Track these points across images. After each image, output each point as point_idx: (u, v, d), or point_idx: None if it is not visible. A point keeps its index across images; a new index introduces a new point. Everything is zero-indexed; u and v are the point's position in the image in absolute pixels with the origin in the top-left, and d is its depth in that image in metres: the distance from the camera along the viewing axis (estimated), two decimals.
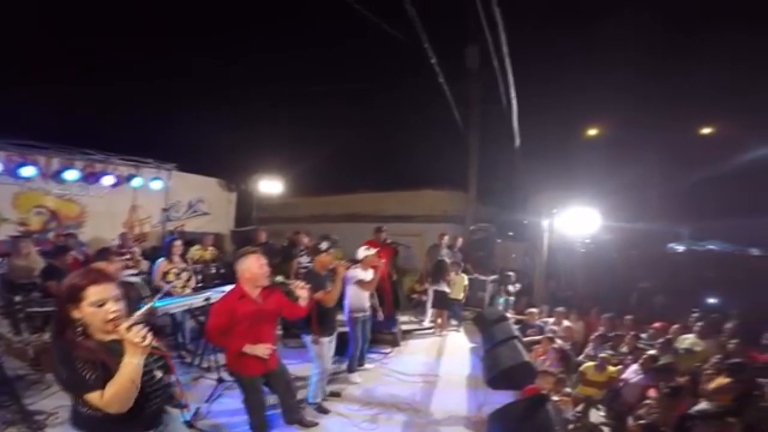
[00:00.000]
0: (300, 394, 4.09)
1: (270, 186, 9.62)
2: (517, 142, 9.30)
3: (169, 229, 8.75)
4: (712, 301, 7.76)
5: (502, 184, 11.23)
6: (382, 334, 5.98)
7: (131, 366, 1.55)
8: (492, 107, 9.03)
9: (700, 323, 5.53)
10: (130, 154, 8.07)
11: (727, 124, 17.00)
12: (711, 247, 18.30)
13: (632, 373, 4.61)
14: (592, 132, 16.63)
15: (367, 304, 4.76)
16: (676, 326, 5.73)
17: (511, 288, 7.90)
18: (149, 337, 1.56)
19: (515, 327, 6.09)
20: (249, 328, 2.90)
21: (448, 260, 7.16)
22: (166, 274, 5.21)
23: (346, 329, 5.33)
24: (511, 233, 10.85)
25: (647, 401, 4.05)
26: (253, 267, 2.93)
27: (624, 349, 5.40)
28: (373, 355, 5.54)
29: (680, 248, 18.94)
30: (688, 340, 5.26)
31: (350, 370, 4.81)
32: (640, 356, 4.79)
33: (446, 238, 7.58)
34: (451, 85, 8.66)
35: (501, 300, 7.86)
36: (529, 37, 8.10)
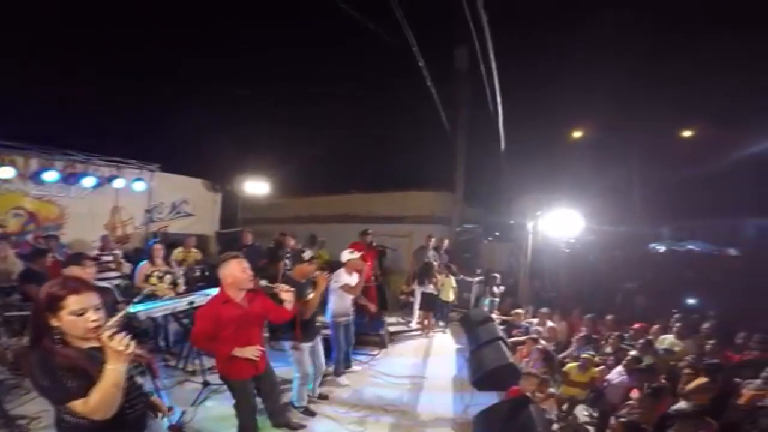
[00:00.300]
0: (286, 397, 4.08)
1: (256, 186, 9.55)
2: (503, 144, 9.40)
3: (152, 230, 8.61)
4: (691, 301, 7.93)
5: (489, 185, 11.33)
6: (370, 336, 6.00)
7: (115, 372, 1.56)
8: (479, 110, 9.11)
9: (678, 324, 5.66)
10: (113, 155, 7.92)
11: (706, 127, 17.44)
12: (691, 247, 18.78)
13: (616, 374, 4.70)
14: (576, 135, 16.87)
15: (350, 308, 4.75)
16: (655, 327, 5.85)
17: (496, 289, 7.97)
18: (132, 344, 1.57)
19: (500, 328, 6.15)
20: (236, 332, 2.88)
21: (435, 262, 7.20)
22: (148, 276, 5.12)
23: (329, 332, 5.36)
24: (497, 234, 10.96)
25: (629, 401, 4.13)
26: (235, 271, 2.90)
27: (607, 349, 5.49)
28: (360, 357, 5.54)
29: (661, 248, 19.39)
30: (667, 340, 5.38)
31: (336, 373, 4.80)
32: (623, 356, 4.88)
33: (433, 240, 7.62)
34: (439, 87, 8.71)
35: (486, 301, 7.93)
36: (515, 41, 8.18)
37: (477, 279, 8.28)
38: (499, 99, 7.68)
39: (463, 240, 9.10)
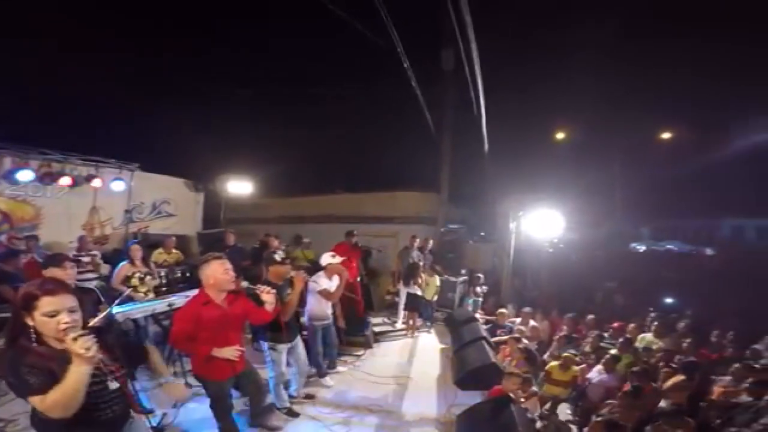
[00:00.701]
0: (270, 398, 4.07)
1: (239, 186, 9.43)
2: (487, 145, 9.50)
3: (132, 231, 8.43)
4: (669, 300, 8.13)
5: (473, 186, 11.42)
6: (355, 336, 5.98)
7: (76, 374, 1.56)
8: (464, 111, 9.19)
9: (656, 323, 5.78)
10: (91, 154, 7.73)
11: (683, 130, 17.95)
12: (670, 247, 19.32)
13: (596, 373, 4.78)
14: (558, 137, 17.18)
15: (329, 311, 4.68)
16: (632, 325, 5.97)
17: (479, 289, 8.04)
18: (93, 349, 1.56)
19: (484, 327, 6.21)
20: (216, 333, 2.86)
21: (420, 263, 7.22)
22: (128, 278, 5.03)
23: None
24: (482, 234, 11.06)
25: (610, 400, 4.19)
26: (217, 272, 2.87)
27: (587, 348, 5.58)
28: (345, 358, 5.53)
29: (641, 248, 19.88)
30: (646, 338, 5.49)
31: (319, 374, 4.75)
32: (603, 355, 4.97)
33: (417, 240, 7.64)
34: (424, 88, 8.75)
35: (470, 301, 7.99)
36: (499, 45, 8.28)
37: (461, 279, 8.33)
38: (482, 101, 7.76)
39: (447, 240, 9.15)
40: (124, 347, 3.47)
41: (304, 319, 4.61)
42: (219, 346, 2.85)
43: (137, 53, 10.07)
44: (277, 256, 3.93)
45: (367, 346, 5.94)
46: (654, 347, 5.39)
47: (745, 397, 3.70)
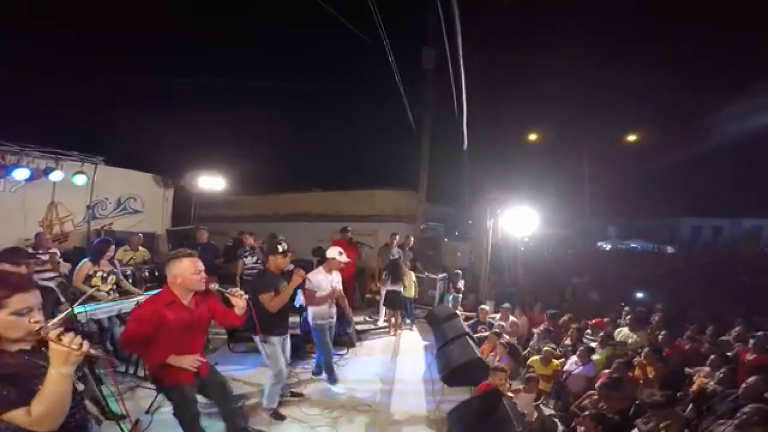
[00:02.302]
0: (255, 398, 3.98)
1: (211, 182, 9.04)
2: (465, 144, 9.56)
3: (95, 228, 7.93)
4: (639, 295, 8.41)
5: (452, 184, 11.50)
6: (338, 335, 5.84)
7: (63, 377, 1.41)
8: (443, 110, 9.22)
9: (629, 317, 5.92)
10: (51, 145, 7.20)
11: (647, 134, 18.78)
12: (634, 245, 20.17)
13: (573, 364, 4.83)
14: (532, 138, 17.59)
15: (333, 309, 4.48)
16: (605, 320, 6.11)
17: (459, 285, 8.06)
18: (85, 344, 1.41)
19: (465, 324, 6.19)
20: (178, 336, 2.58)
21: (400, 260, 7.14)
22: (90, 277, 4.70)
23: (296, 331, 5.16)
24: (456, 233, 11.13)
25: (590, 392, 4.24)
26: (186, 272, 2.59)
27: (567, 341, 5.64)
28: None
29: (608, 246, 20.67)
30: (621, 332, 5.62)
31: (330, 378, 4.56)
32: (579, 348, 5.04)
33: (397, 238, 7.56)
34: (405, 86, 8.70)
35: (450, 297, 8.00)
36: (478, 48, 8.36)
37: (441, 276, 8.33)
38: (464, 100, 7.79)
39: (426, 238, 9.13)
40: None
41: (294, 319, 4.43)
42: (181, 350, 2.58)
43: (104, 40, 9.55)
44: (281, 248, 3.72)
45: (350, 344, 5.81)
46: (630, 341, 5.51)
47: (712, 385, 3.82)
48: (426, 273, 8.13)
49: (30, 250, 5.67)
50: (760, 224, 22.66)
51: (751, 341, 4.46)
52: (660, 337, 5.18)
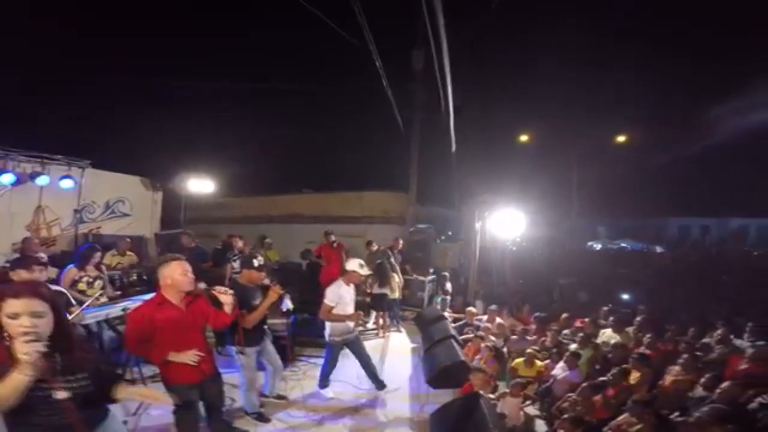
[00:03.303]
0: (238, 403, 4.00)
1: (201, 185, 9.03)
2: (454, 146, 9.63)
3: (83, 232, 7.90)
4: (625, 296, 8.48)
5: (443, 186, 11.57)
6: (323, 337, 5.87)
7: (15, 380, 1.57)
8: (433, 112, 9.28)
9: (612, 318, 5.98)
10: (37, 149, 7.16)
11: (636, 135, 19.01)
12: (623, 245, 20.37)
13: (560, 369, 4.89)
14: (521, 139, 17.75)
15: (351, 325, 4.42)
16: (588, 320, 6.16)
17: (447, 286, 8.13)
18: (33, 355, 1.57)
19: (453, 326, 6.25)
20: (174, 335, 2.73)
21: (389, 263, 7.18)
22: (76, 282, 4.72)
23: (284, 333, 5.20)
24: (449, 233, 11.20)
25: (569, 394, 4.30)
26: (175, 273, 2.75)
27: (547, 342, 5.70)
28: (316, 360, 5.42)
29: (597, 246, 20.86)
30: (605, 333, 5.69)
31: (321, 385, 4.55)
32: (563, 351, 5.09)
33: (374, 246, 7.61)
34: (394, 88, 8.76)
35: (438, 299, 8.06)
36: (467, 49, 8.43)
37: (429, 278, 8.39)
38: (450, 102, 7.85)
39: (415, 240, 9.19)
40: None
41: (274, 321, 4.45)
42: (179, 347, 2.72)
43: (91, 42, 9.47)
44: (256, 262, 3.81)
45: None
46: (613, 342, 5.58)
47: (700, 391, 3.87)
48: (414, 275, 8.19)
49: (17, 255, 5.67)
50: (746, 224, 23.00)
51: (749, 351, 4.42)
52: (645, 339, 5.24)
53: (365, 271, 4.41)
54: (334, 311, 4.22)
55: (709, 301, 8.02)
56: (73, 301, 4.00)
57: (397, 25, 8.79)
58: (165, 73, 10.86)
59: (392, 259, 7.26)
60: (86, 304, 3.93)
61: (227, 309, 2.96)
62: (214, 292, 2.98)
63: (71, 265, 4.86)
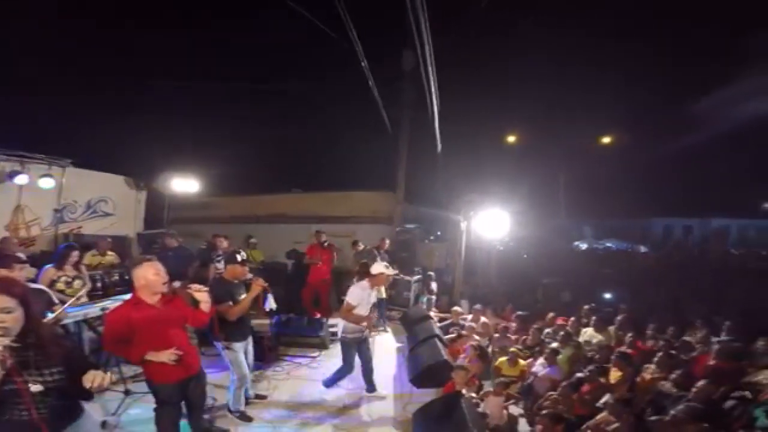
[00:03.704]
0: (224, 401, 4.00)
1: (185, 184, 8.92)
2: (439, 147, 9.67)
3: (63, 231, 7.76)
4: (608, 296, 8.59)
5: (431, 185, 11.60)
6: (310, 337, 5.89)
7: None
8: (421, 112, 9.31)
9: (594, 317, 6.06)
10: (15, 148, 7.01)
11: (620, 135, 19.30)
12: (609, 245, 20.64)
13: (540, 366, 4.95)
14: (508, 140, 17.88)
15: (365, 325, 4.43)
16: (572, 320, 6.25)
17: (433, 286, 8.16)
18: None
19: (439, 325, 6.28)
20: (153, 334, 2.74)
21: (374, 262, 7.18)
22: (54, 282, 4.65)
23: (267, 333, 5.17)
24: (438, 233, 11.24)
25: (550, 392, 4.35)
26: (148, 274, 2.76)
27: (528, 341, 5.76)
28: (300, 360, 5.48)
29: (583, 246, 21.12)
30: (587, 333, 5.76)
31: (327, 384, 4.52)
32: (544, 349, 5.15)
33: (360, 245, 7.62)
34: (382, 88, 8.75)
35: (424, 299, 8.08)
36: (454, 50, 8.47)
37: (415, 278, 8.41)
38: (435, 102, 7.88)
39: (401, 240, 9.21)
40: None
41: (265, 321, 4.43)
42: (158, 345, 2.72)
43: (71, 38, 9.29)
44: (239, 257, 3.85)
45: (322, 347, 5.85)
46: (594, 341, 5.65)
47: (669, 387, 3.94)
48: (401, 275, 8.20)
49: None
50: (728, 224, 23.50)
51: (715, 347, 4.56)
52: (627, 338, 5.31)
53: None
54: (355, 311, 4.23)
55: (690, 301, 8.16)
56: (56, 300, 3.94)
57: (384, 24, 8.79)
58: (151, 70, 10.71)
59: (379, 259, 7.26)
60: (69, 302, 3.88)
61: (204, 307, 2.97)
62: (189, 290, 2.98)
63: (49, 265, 4.80)
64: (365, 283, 4.34)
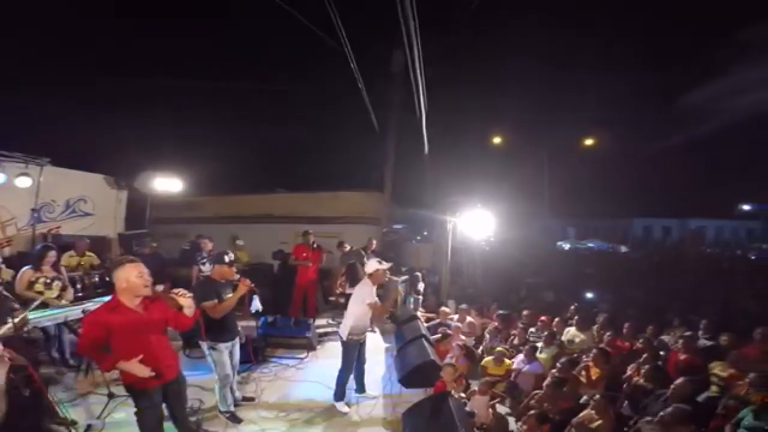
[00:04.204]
0: (211, 403, 3.97)
1: (168, 183, 8.76)
2: (426, 148, 9.72)
3: (41, 232, 7.54)
4: (590, 295, 8.76)
5: (418, 186, 11.65)
6: (298, 338, 5.85)
7: None
8: (409, 113, 9.34)
9: (576, 316, 6.17)
10: None
11: (602, 138, 19.73)
12: (591, 245, 21.09)
13: (520, 363, 5.02)
14: (493, 141, 18.08)
15: (368, 324, 4.39)
16: (557, 319, 6.36)
17: (419, 286, 8.19)
18: None
19: (426, 326, 6.30)
20: (133, 339, 2.64)
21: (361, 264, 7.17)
22: (33, 283, 4.56)
23: (251, 335, 5.12)
24: (425, 233, 11.29)
25: (536, 391, 4.42)
26: (131, 276, 2.66)
27: (515, 341, 5.84)
28: (289, 361, 5.44)
29: (566, 246, 21.52)
30: (569, 332, 5.87)
31: (337, 397, 4.31)
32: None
33: (347, 246, 7.61)
34: (370, 88, 8.75)
35: (411, 299, 8.10)
36: (442, 52, 8.53)
37: (403, 278, 8.42)
38: (423, 103, 7.92)
39: (388, 240, 9.22)
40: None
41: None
42: (137, 351, 2.62)
43: (49, 35, 9.02)
44: (227, 258, 3.81)
45: (310, 348, 5.81)
46: (577, 340, 5.76)
47: (642, 382, 4.05)
48: (388, 275, 8.20)
49: None
50: (704, 224, 24.24)
51: (680, 341, 4.72)
52: (605, 337, 5.42)
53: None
54: (361, 312, 4.17)
55: (668, 300, 8.39)
56: (17, 305, 3.83)
57: (374, 25, 8.79)
58: (132, 68, 10.48)
59: (366, 259, 7.25)
60: (33, 305, 3.77)
61: (187, 312, 2.91)
62: (172, 294, 2.91)
63: (27, 267, 4.70)
64: (367, 280, 4.26)
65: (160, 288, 2.90)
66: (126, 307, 2.66)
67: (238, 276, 3.91)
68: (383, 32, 8.90)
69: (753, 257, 18.64)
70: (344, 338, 4.21)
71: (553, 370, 4.51)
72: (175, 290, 2.93)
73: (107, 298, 2.90)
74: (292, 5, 6.99)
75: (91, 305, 4.36)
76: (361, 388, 4.59)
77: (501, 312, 6.80)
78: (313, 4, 6.36)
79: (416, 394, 4.50)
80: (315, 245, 7.40)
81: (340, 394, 4.27)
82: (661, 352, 4.89)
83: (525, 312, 6.68)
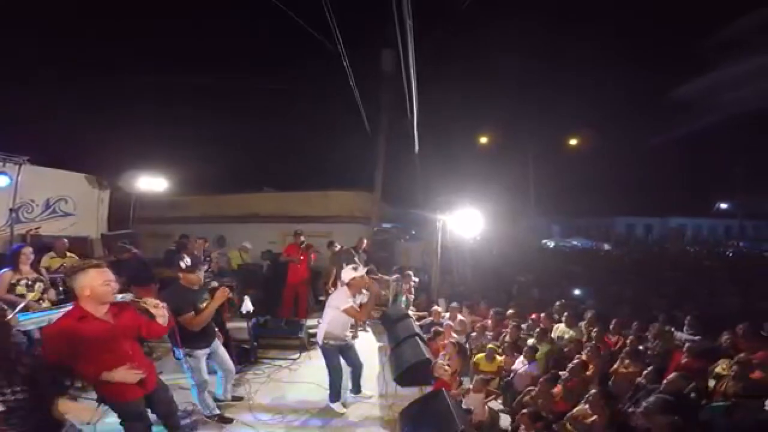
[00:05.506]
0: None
1: (153, 183, 8.55)
2: (417, 148, 9.74)
3: (20, 233, 7.28)
4: (577, 292, 8.90)
5: (409, 185, 11.66)
6: (289, 339, 5.80)
7: None
8: (400, 113, 9.34)
9: (565, 313, 6.25)
10: None
11: (586, 138, 20.10)
12: (575, 243, 21.46)
13: (520, 363, 5.06)
14: (480, 141, 18.25)
15: (347, 331, 4.24)
16: (543, 315, 6.43)
17: (410, 285, 8.17)
18: None
19: (418, 324, 6.30)
20: (105, 348, 2.47)
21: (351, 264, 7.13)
22: (14, 285, 4.38)
23: (246, 336, 5.04)
24: (413, 232, 11.30)
25: (529, 388, 4.45)
26: (94, 282, 2.44)
27: (506, 338, 5.88)
28: (281, 362, 5.38)
29: (551, 244, 21.85)
30: (559, 328, 5.94)
31: (332, 399, 4.25)
32: (522, 345, 5.27)
33: (337, 246, 7.58)
34: (361, 87, 8.70)
35: (402, 298, 8.08)
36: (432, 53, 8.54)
37: (394, 277, 8.40)
38: (415, 103, 7.92)
39: (379, 239, 9.20)
40: None
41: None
42: (113, 362, 2.47)
43: (30, 31, 8.73)
44: (183, 264, 3.71)
45: (302, 348, 5.75)
46: (566, 336, 5.83)
47: (643, 383, 4.11)
48: (379, 274, 8.18)
49: None
50: (684, 222, 24.90)
51: (687, 345, 4.71)
52: (593, 333, 5.50)
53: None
54: (336, 316, 4.04)
55: (652, 296, 8.58)
56: (5, 306, 3.67)
57: (367, 24, 8.75)
58: (117, 65, 10.20)
59: (356, 259, 7.21)
60: (19, 307, 3.62)
61: (161, 321, 2.73)
62: (144, 304, 2.70)
63: (6, 269, 4.49)
64: (343, 290, 4.11)
65: (128, 297, 2.68)
66: (94, 317, 2.45)
67: (216, 283, 3.84)
68: (375, 31, 8.87)
69: (730, 254, 19.26)
70: (320, 343, 4.14)
71: (558, 371, 4.52)
72: (148, 301, 2.71)
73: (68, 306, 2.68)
74: (283, 2, 6.89)
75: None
76: (356, 388, 4.55)
77: (498, 309, 6.83)
78: (304, 2, 6.30)
79: (412, 393, 4.49)
80: (303, 245, 7.34)
81: (335, 396, 4.23)
82: (641, 347, 4.98)
83: (510, 311, 6.73)
